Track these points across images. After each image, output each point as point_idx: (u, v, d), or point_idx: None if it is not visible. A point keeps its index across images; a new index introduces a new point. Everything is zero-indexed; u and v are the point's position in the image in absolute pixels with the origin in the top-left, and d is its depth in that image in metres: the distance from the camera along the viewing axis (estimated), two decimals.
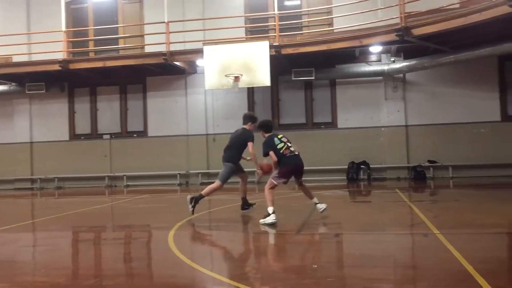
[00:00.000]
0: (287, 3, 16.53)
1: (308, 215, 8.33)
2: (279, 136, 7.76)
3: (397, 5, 12.96)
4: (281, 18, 14.84)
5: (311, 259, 5.48)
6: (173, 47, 14.85)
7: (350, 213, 8.81)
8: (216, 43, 14.28)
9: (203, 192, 8.35)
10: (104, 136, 17.34)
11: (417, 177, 14.60)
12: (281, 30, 14.46)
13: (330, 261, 5.36)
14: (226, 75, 13.68)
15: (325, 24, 15.96)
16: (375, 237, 6.52)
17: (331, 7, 15.54)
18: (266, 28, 16.02)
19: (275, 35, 14.24)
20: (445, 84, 15.08)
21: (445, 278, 4.39)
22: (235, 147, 8.49)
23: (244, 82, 13.86)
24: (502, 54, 13.88)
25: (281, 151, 7.54)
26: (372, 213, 8.92)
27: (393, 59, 15.05)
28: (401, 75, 15.31)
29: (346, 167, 15.29)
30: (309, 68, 15.15)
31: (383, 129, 15.43)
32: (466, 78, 14.85)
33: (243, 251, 6.38)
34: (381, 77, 15.40)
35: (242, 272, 5.00)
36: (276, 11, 14.43)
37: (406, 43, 13.39)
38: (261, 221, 7.35)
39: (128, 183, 16.63)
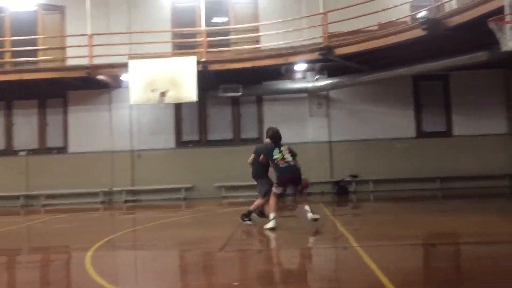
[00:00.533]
0: (215, 19, 16.60)
1: (233, 231, 8.30)
2: (282, 149, 8.42)
3: (321, 25, 13.45)
4: (209, 34, 14.88)
5: (233, 276, 5.43)
6: (97, 61, 14.41)
7: (276, 229, 8.87)
8: (142, 58, 14.04)
9: (251, 208, 8.77)
10: (20, 153, 16.39)
11: (340, 192, 15.04)
12: (208, 46, 14.48)
13: (251, 277, 5.35)
14: (152, 90, 13.46)
15: (252, 42, 16.20)
16: (298, 252, 6.60)
17: (258, 25, 15.80)
18: (194, 44, 15.97)
19: (202, 51, 14.24)
20: (365, 102, 15.75)
21: None
22: (256, 162, 8.98)
23: (171, 98, 13.71)
24: (417, 75, 14.78)
25: (275, 161, 8.27)
26: (296, 228, 9.04)
27: (317, 77, 15.52)
28: (325, 92, 15.82)
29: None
30: (237, 84, 15.27)
31: (308, 144, 15.79)
32: (384, 96, 15.60)
33: (165, 271, 6.20)
34: (306, 94, 15.82)
35: None
36: (203, 27, 14.47)
37: (329, 61, 13.88)
38: (265, 226, 8.11)
39: (45, 202, 15.75)
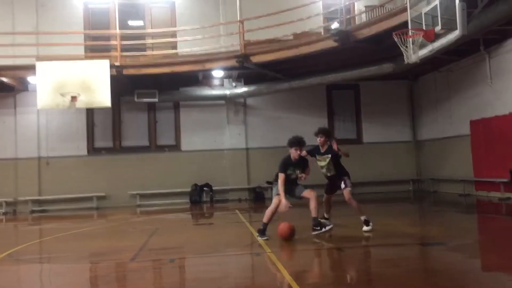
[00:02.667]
0: (130, 22, 16.18)
1: (146, 240, 8.07)
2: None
3: (238, 33, 13.56)
4: (124, 37, 14.45)
5: (143, 287, 5.25)
6: (1, 62, 13.47)
7: (190, 237, 8.74)
8: (51, 59, 13.32)
9: (313, 215, 7.47)
10: None
11: (257, 198, 15.21)
12: (124, 50, 14.05)
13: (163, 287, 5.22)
14: (62, 94, 12.81)
15: (169, 47, 15.95)
16: (212, 259, 6.53)
17: (175, 30, 15.60)
18: (108, 47, 15.44)
19: (117, 55, 13.78)
20: (281, 109, 16.09)
21: None
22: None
23: (82, 103, 13.12)
24: (329, 83, 15.36)
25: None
26: (212, 235, 8.99)
27: (234, 84, 15.62)
28: (242, 99, 15.96)
29: (190, 189, 15.29)
30: (153, 90, 14.97)
31: (225, 151, 15.84)
32: (299, 104, 16.02)
33: (72, 285, 5.87)
34: (223, 101, 15.86)
35: None
36: (118, 30, 14.03)
37: (246, 69, 14.00)
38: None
39: None
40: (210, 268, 5.93)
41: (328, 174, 8.00)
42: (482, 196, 12.94)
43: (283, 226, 7.27)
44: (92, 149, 15.61)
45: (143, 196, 15.24)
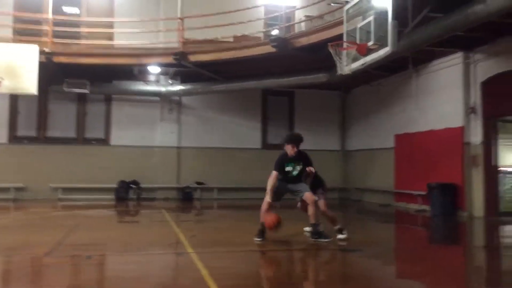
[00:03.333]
0: (65, 8, 15.50)
1: (64, 236, 7.73)
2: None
3: (177, 30, 13.38)
4: (57, 23, 13.79)
5: (56, 284, 5.01)
6: None
7: (112, 234, 8.47)
8: None
9: (312, 219, 7.14)
10: None
11: (185, 198, 15.04)
12: (56, 37, 13.42)
13: (77, 285, 5.01)
14: None
15: (105, 38, 15.44)
16: (132, 258, 6.36)
17: (112, 20, 15.15)
18: (39, 32, 14.68)
19: (48, 41, 13.14)
20: (216, 110, 16.06)
21: None
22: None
23: (6, 88, 12.37)
24: (265, 88, 15.55)
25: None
26: (135, 233, 8.77)
27: (170, 82, 15.39)
28: (177, 97, 15.76)
29: (116, 186, 14.85)
30: (84, 80, 14.41)
31: (156, 149, 15.54)
32: (234, 106, 16.07)
33: None
34: (158, 98, 15.58)
35: None
36: (50, 15, 13.40)
37: (183, 67, 13.85)
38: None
39: None
40: (130, 267, 5.77)
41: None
42: (401, 207, 13.57)
43: (271, 218, 7.02)
44: (14, 138, 14.76)
45: (65, 190, 14.60)
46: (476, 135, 11.39)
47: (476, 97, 11.41)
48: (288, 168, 7.28)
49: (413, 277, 5.48)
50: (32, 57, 12.44)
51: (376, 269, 6.05)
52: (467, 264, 6.76)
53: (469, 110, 11.47)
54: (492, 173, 11.18)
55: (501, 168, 11.58)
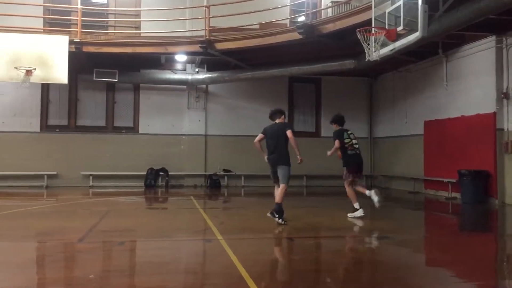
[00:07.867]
0: None
1: (96, 222, 7.92)
2: (348, 132, 8.81)
3: (203, 18, 13.39)
4: (85, 14, 14.00)
5: (89, 268, 5.16)
6: None
7: (142, 220, 8.64)
8: (6, 31, 12.78)
9: (277, 200, 7.65)
10: None
11: (213, 185, 15.17)
12: (85, 27, 13.63)
13: (109, 269, 5.14)
14: (16, 68, 12.33)
15: (132, 27, 15.62)
16: (162, 243, 6.49)
17: (140, 10, 15.29)
18: (68, 22, 14.95)
19: (77, 31, 13.36)
20: (242, 98, 16.08)
21: (219, 283, 4.57)
22: (280, 143, 7.97)
23: (38, 77, 12.68)
24: (292, 76, 15.46)
25: (346, 145, 8.61)
26: (164, 220, 8.92)
27: (197, 70, 15.47)
28: (204, 86, 15.84)
29: (145, 173, 15.10)
30: (113, 70, 14.63)
31: (183, 137, 15.70)
32: (260, 94, 16.05)
33: (13, 264, 5.69)
34: (185, 86, 15.69)
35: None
36: (79, 5, 13.58)
37: (209, 55, 13.88)
38: (349, 215, 8.45)
39: None
40: (160, 252, 5.89)
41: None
42: (430, 194, 13.39)
43: None
44: (46, 126, 15.12)
45: (96, 177, 14.92)
46: (509, 121, 11.11)
47: (509, 82, 11.10)
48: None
49: (443, 265, 5.42)
50: (62, 47, 12.69)
51: (405, 256, 6.01)
52: (499, 252, 6.64)
53: (502, 96, 11.18)
54: None
55: None
